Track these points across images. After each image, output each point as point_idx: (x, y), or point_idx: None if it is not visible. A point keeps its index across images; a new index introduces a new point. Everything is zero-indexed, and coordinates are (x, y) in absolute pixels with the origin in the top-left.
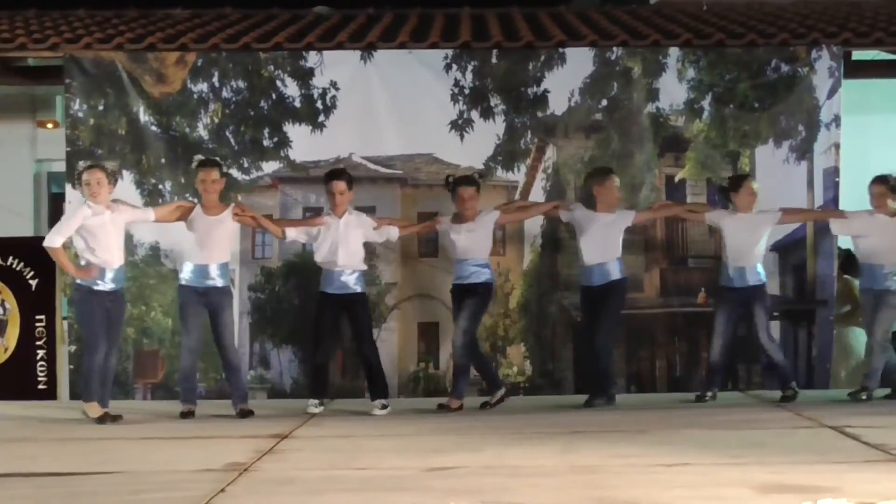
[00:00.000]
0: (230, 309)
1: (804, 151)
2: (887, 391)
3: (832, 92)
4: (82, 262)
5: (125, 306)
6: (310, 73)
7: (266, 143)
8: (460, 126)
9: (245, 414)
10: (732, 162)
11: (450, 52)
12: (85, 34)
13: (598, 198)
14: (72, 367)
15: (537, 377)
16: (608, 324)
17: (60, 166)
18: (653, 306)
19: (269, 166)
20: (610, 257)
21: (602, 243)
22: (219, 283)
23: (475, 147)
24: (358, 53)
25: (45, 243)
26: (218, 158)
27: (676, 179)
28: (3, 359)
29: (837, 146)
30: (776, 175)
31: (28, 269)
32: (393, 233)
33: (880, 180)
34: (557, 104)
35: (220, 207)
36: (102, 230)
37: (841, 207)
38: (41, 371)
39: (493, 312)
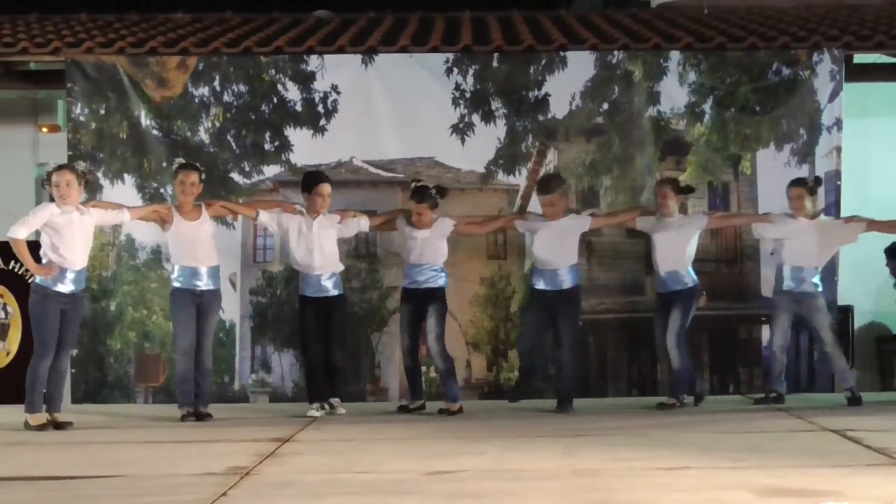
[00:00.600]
0: (217, 313)
1: (805, 155)
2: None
3: (833, 95)
4: (44, 261)
5: (83, 310)
6: (311, 76)
7: (267, 146)
8: (461, 130)
9: (202, 416)
10: (734, 165)
11: (451, 55)
12: (86, 38)
13: (543, 209)
14: (73, 371)
15: (538, 381)
16: (575, 335)
17: None
18: (654, 310)
19: (271, 170)
20: (563, 263)
21: (554, 248)
22: (210, 286)
23: (476, 151)
24: (359, 57)
25: (9, 234)
26: (198, 164)
27: None
28: (5, 363)
29: (839, 149)
30: (777, 179)
31: (30, 273)
32: (363, 224)
33: (798, 183)
34: (558, 108)
35: (196, 211)
36: (68, 229)
37: (843, 211)
38: None
39: (495, 316)
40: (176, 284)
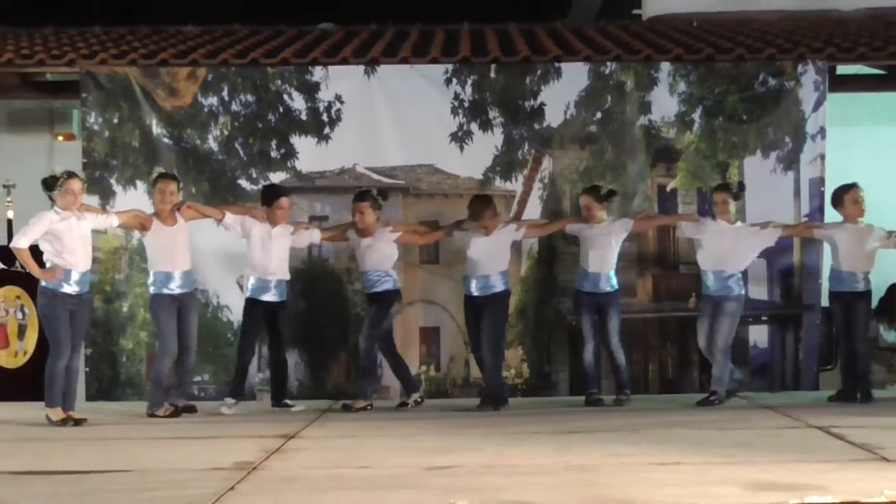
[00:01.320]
0: (196, 313)
1: (791, 162)
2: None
3: (817, 105)
4: (48, 266)
5: (91, 309)
6: (315, 87)
7: (273, 154)
8: (460, 138)
9: (189, 409)
10: (722, 172)
11: (450, 66)
12: (100, 50)
13: (479, 229)
14: (87, 369)
15: (534, 379)
16: (496, 334)
17: None
18: (645, 311)
19: (277, 177)
20: (494, 269)
21: (488, 255)
22: (186, 289)
23: (474, 158)
24: (362, 68)
25: (12, 244)
26: (175, 173)
27: (668, 189)
28: (23, 362)
29: (823, 157)
30: (764, 185)
31: None
32: (315, 236)
33: (723, 188)
34: (553, 116)
35: (173, 217)
36: (69, 234)
37: (826, 216)
38: None
39: None
40: (153, 290)
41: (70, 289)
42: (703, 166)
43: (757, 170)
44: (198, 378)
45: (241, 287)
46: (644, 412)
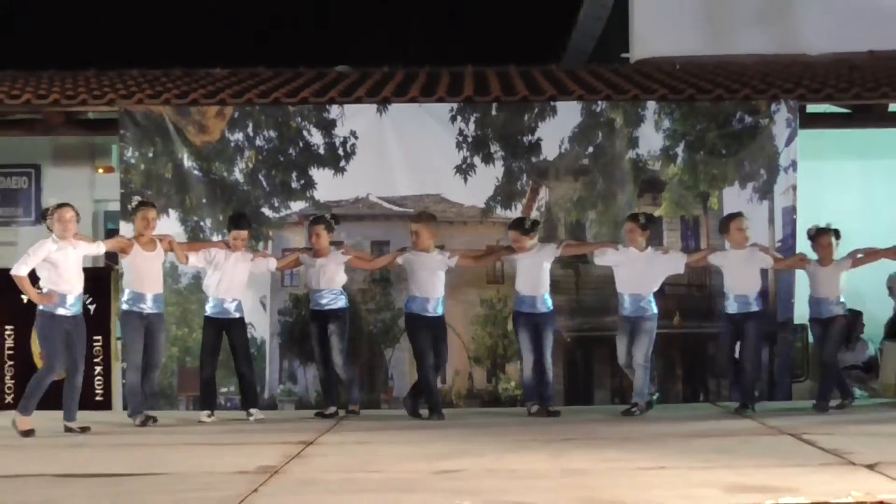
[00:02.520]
0: (163, 333)
1: (765, 192)
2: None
3: (789, 140)
4: (44, 291)
5: (85, 329)
6: (332, 123)
7: (294, 185)
8: (464, 170)
9: (148, 420)
10: (703, 201)
11: (455, 105)
12: (137, 91)
13: (410, 235)
14: (124, 382)
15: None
16: (444, 357)
17: (115, 206)
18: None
19: (297, 205)
20: (434, 294)
21: (428, 280)
22: (155, 310)
23: (477, 188)
24: (374, 107)
25: (12, 272)
26: (153, 202)
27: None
28: (65, 375)
29: (794, 188)
30: None
31: (87, 296)
32: (271, 264)
33: (631, 218)
34: (550, 151)
35: (153, 244)
36: (65, 263)
37: (798, 242)
38: (98, 385)
39: (493, 334)
40: (125, 307)
41: (65, 311)
42: (686, 196)
43: (735, 199)
44: (223, 389)
45: (263, 306)
46: (632, 422)
